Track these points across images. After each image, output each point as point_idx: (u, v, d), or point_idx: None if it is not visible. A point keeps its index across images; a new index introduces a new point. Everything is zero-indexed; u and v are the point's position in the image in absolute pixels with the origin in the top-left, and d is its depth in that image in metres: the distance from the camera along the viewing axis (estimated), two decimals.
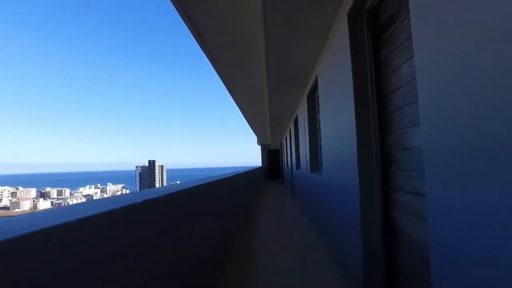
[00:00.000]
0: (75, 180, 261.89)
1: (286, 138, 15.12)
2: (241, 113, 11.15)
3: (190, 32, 4.56)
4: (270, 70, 5.29)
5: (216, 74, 6.73)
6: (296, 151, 9.78)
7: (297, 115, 8.65)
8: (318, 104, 6.03)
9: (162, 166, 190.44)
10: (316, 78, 4.91)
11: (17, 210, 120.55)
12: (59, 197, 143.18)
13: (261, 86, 7.03)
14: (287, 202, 10.41)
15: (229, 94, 8.44)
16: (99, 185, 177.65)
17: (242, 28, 4.24)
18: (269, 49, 4.24)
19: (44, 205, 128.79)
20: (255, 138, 22.41)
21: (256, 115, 11.11)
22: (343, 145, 3.24)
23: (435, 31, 1.39)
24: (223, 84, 7.48)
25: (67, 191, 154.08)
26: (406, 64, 2.10)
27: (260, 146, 24.68)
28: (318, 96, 5.44)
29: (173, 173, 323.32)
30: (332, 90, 3.71)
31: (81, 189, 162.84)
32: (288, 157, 14.19)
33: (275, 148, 23.86)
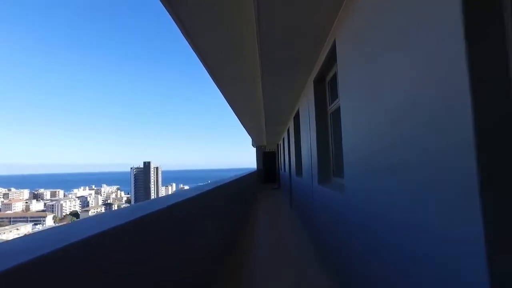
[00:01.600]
0: (69, 181, 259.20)
1: (283, 139, 13.47)
2: (232, 111, 9.58)
3: None
4: (263, 45, 3.69)
5: (203, 66, 5.19)
6: (297, 155, 8.11)
7: (298, 110, 7.00)
8: (331, 91, 4.40)
9: (157, 168, 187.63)
10: (334, 44, 3.26)
11: (9, 211, 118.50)
12: (53, 198, 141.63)
13: (253, 72, 5.41)
14: (285, 216, 8.75)
15: (220, 92, 6.89)
16: (93, 186, 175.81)
17: None
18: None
19: (37, 206, 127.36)
20: (250, 140, 20.98)
21: (249, 112, 9.47)
22: (413, 144, 1.55)
23: None
24: (210, 77, 5.89)
25: (60, 193, 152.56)
26: None
27: (255, 149, 23.19)
28: (336, 75, 3.82)
29: (169, 175, 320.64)
30: (379, 44, 2.04)
31: (75, 190, 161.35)
32: (285, 161, 12.52)
33: (271, 150, 22.33)
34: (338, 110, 4.24)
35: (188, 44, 4.48)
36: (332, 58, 3.67)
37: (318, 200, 4.54)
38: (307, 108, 5.38)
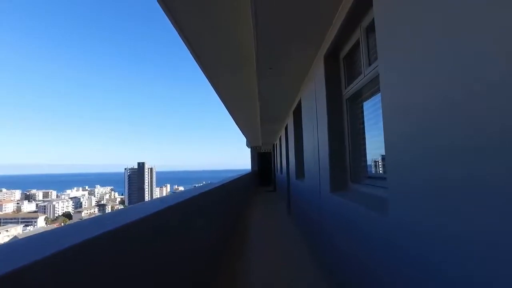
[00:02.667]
0: (62, 182, 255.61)
1: (280, 138, 12.40)
2: (225, 108, 8.55)
3: None
4: (258, 10, 2.64)
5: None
6: (297, 155, 7.02)
7: (300, 102, 5.92)
8: (349, 69, 3.35)
9: (151, 169, 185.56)
10: None
11: None
12: (45, 199, 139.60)
13: (246, 55, 4.36)
14: (283, 225, 7.66)
15: (211, 84, 5.94)
16: (87, 187, 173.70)
17: None
18: None
19: (28, 207, 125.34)
20: (245, 140, 19.92)
21: (243, 108, 8.41)
22: None
23: None
24: (197, 65, 4.89)
25: (53, 193, 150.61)
26: None
27: (250, 149, 22.14)
28: (359, 45, 2.72)
29: (163, 176, 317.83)
30: None
31: (68, 191, 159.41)
32: (282, 162, 11.44)
33: (266, 151, 21.29)
34: (357, 94, 3.18)
35: (167, 17, 3.43)
36: (352, 18, 2.61)
37: (331, 213, 3.47)
38: (313, 95, 4.31)
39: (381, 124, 2.87)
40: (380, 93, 1.96)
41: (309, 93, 4.70)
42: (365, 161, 3.21)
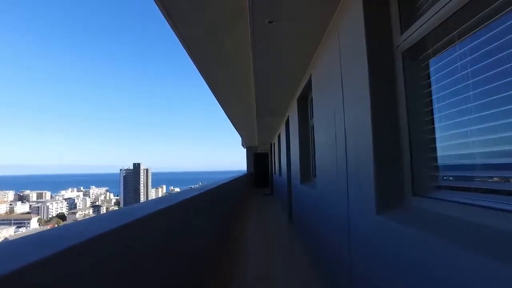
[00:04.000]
0: (57, 182, 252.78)
1: (279, 136, 11.00)
2: (220, 106, 7.32)
3: None
4: None
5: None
6: (302, 155, 5.57)
7: (309, 82, 4.50)
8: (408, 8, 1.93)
9: (147, 170, 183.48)
10: None
11: None
12: (39, 200, 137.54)
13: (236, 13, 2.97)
14: (284, 237, 6.26)
15: (199, 71, 4.95)
16: (81, 188, 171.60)
17: None
18: None
19: (22, 208, 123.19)
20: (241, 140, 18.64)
21: (237, 98, 7.03)
22: None
23: None
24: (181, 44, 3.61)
25: (47, 194, 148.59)
26: None
27: (245, 150, 20.91)
28: None
29: (159, 177, 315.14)
30: None
31: (63, 192, 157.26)
32: (282, 163, 10.04)
33: (263, 151, 20.14)
34: (422, 43, 1.79)
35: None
36: None
37: (380, 247, 2.05)
38: (336, 57, 2.86)
39: (473, 93, 1.49)
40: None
41: (329, 57, 3.23)
42: (435, 158, 1.82)
